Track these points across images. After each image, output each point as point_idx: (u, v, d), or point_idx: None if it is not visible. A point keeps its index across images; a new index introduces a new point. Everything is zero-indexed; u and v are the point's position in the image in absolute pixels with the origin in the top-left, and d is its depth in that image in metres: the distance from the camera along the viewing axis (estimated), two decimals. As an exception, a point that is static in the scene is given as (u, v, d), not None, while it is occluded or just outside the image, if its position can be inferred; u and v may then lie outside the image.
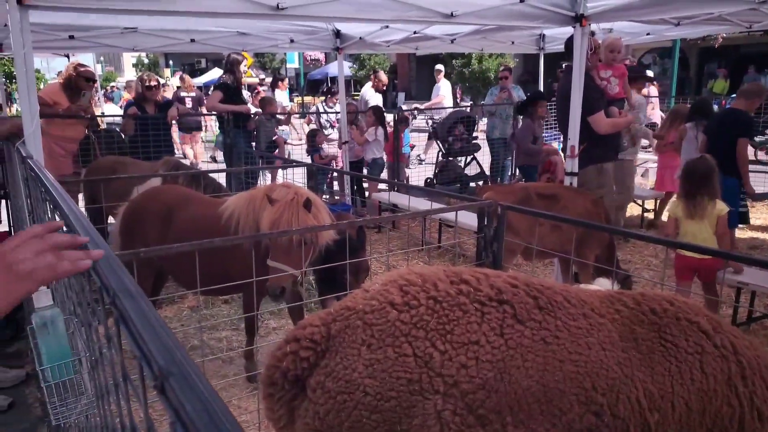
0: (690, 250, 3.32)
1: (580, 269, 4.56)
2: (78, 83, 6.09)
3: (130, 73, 35.83)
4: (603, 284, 3.55)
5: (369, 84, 9.71)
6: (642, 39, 7.32)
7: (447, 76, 27.00)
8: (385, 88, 10.10)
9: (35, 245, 0.94)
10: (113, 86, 21.56)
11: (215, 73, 24.77)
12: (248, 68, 26.99)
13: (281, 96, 11.74)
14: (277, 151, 8.26)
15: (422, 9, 3.77)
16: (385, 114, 7.98)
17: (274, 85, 12.56)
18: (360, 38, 6.56)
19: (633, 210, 7.60)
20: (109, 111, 11.27)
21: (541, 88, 9.85)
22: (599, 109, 4.66)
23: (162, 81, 10.69)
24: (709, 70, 18.52)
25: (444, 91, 10.95)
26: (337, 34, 6.69)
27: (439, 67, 11.52)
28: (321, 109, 9.29)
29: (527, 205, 4.18)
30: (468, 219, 5.09)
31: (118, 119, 7.92)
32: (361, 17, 3.54)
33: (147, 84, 6.79)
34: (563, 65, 9.70)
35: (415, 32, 6.23)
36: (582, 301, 1.51)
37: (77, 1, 2.86)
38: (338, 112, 8.25)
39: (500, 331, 1.42)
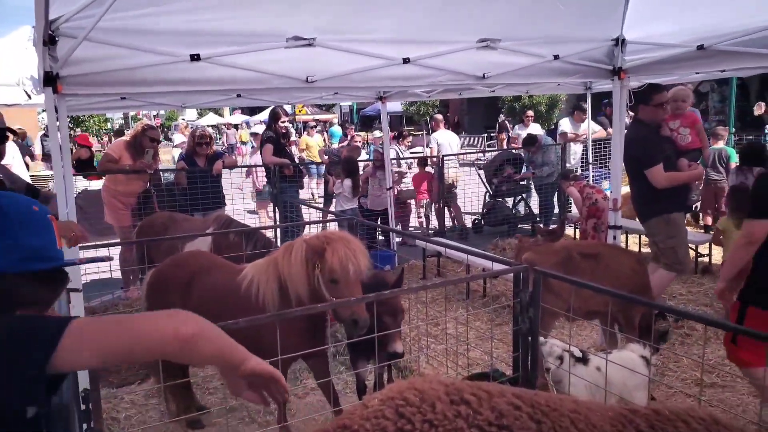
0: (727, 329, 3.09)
1: (626, 327, 4.39)
2: (143, 142, 6.55)
3: (191, 113, 37.33)
4: (635, 350, 3.43)
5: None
6: (691, 78, 7.07)
7: (497, 110, 26.87)
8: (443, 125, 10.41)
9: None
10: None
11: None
12: (303, 106, 27.80)
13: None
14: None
15: (454, 73, 3.79)
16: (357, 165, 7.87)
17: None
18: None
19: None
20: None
21: (589, 126, 9.68)
22: (656, 163, 4.51)
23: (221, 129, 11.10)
24: (772, 96, 17.59)
25: (442, 140, 10.27)
26: (380, 84, 6.81)
27: (439, 117, 11.20)
28: (393, 153, 9.52)
29: (569, 265, 4.07)
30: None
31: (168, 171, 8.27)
32: (392, 85, 3.59)
33: (198, 140, 7.08)
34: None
35: (454, 83, 6.27)
36: (591, 425, 1.42)
37: (110, 87, 3.03)
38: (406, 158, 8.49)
39: (499, 460, 1.35)
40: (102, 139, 24.63)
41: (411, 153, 10.64)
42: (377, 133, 10.78)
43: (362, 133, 23.71)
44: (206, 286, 3.45)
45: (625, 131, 4.64)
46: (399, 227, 8.94)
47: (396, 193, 8.90)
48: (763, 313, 3.09)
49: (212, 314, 3.17)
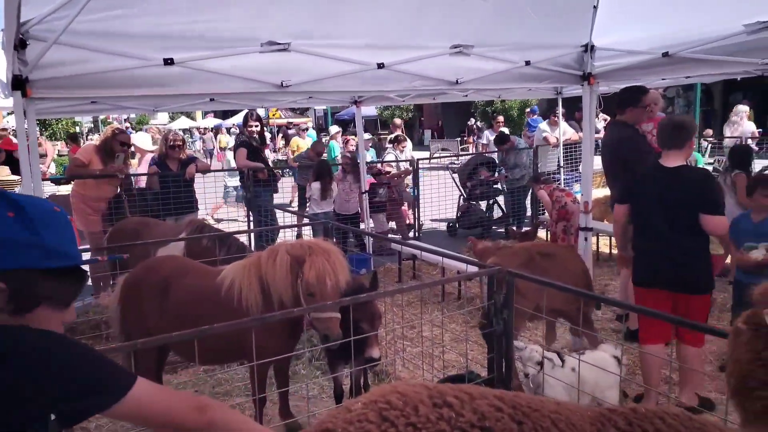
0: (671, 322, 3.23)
1: (584, 324, 4.55)
2: (113, 147, 6.41)
3: (162, 116, 36.74)
4: (607, 350, 3.56)
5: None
6: (658, 83, 7.26)
7: (470, 114, 27.06)
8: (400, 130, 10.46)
9: None
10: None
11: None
12: (276, 110, 27.55)
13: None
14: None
15: (428, 78, 3.83)
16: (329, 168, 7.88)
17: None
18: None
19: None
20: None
21: (561, 130, 9.85)
22: (651, 162, 4.58)
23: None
24: (734, 100, 18.23)
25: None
26: (354, 89, 6.83)
27: (397, 121, 11.37)
28: (392, 157, 9.56)
29: (531, 265, 4.20)
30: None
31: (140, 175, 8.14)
32: (365, 89, 3.61)
33: (171, 144, 6.97)
34: (608, 118, 9.72)
35: (428, 88, 6.32)
36: (571, 425, 1.45)
37: (81, 91, 2.98)
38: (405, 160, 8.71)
39: (481, 460, 1.37)
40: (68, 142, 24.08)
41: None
42: (367, 136, 10.82)
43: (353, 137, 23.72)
44: (184, 289, 3.41)
45: (603, 133, 4.71)
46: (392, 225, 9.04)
47: (396, 194, 9.00)
48: (639, 290, 3.69)
49: (192, 316, 3.16)
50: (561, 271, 4.19)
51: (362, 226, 8.02)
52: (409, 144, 10.25)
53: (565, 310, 4.27)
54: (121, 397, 1.25)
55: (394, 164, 9.41)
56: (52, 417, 1.17)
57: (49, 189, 8.34)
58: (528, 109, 14.67)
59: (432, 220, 10.27)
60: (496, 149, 9.89)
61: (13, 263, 1.20)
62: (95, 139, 9.91)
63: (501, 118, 11.78)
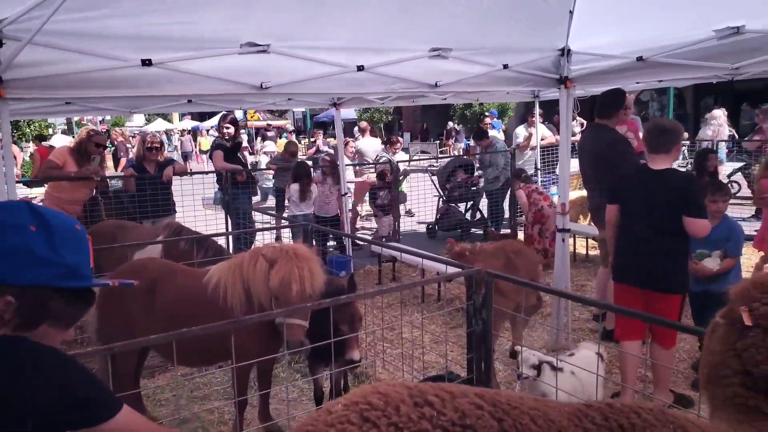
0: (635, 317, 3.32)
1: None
2: (88, 148, 6.31)
3: (139, 118, 36.14)
4: (590, 347, 3.65)
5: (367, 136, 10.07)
6: (633, 87, 7.40)
7: (448, 117, 27.22)
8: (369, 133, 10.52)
9: None
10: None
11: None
12: (255, 112, 27.35)
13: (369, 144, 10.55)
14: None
15: (407, 81, 3.85)
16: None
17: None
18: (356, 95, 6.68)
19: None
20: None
21: (538, 133, 9.96)
22: (636, 162, 4.56)
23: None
24: (706, 105, 18.73)
25: (365, 147, 10.33)
26: (333, 90, 6.83)
27: (363, 124, 11.54)
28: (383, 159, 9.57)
29: (509, 265, 4.28)
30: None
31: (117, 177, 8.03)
32: (345, 92, 3.62)
33: (148, 146, 6.88)
34: (585, 123, 9.85)
35: (407, 90, 6.35)
36: (550, 421, 1.48)
37: (56, 92, 2.93)
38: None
39: (463, 458, 1.39)
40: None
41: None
42: (361, 139, 10.86)
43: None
44: (172, 291, 3.38)
45: (583, 136, 4.75)
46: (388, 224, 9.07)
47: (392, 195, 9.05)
48: (617, 286, 3.79)
49: (183, 316, 3.14)
50: (528, 265, 4.35)
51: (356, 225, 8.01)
52: (368, 146, 10.29)
53: (538, 304, 4.45)
54: (107, 419, 1.25)
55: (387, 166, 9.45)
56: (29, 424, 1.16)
57: (20, 192, 8.17)
58: (487, 113, 14.91)
59: (417, 222, 10.31)
60: (476, 145, 9.97)
61: (28, 279, 1.17)
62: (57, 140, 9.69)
63: (488, 120, 11.92)
